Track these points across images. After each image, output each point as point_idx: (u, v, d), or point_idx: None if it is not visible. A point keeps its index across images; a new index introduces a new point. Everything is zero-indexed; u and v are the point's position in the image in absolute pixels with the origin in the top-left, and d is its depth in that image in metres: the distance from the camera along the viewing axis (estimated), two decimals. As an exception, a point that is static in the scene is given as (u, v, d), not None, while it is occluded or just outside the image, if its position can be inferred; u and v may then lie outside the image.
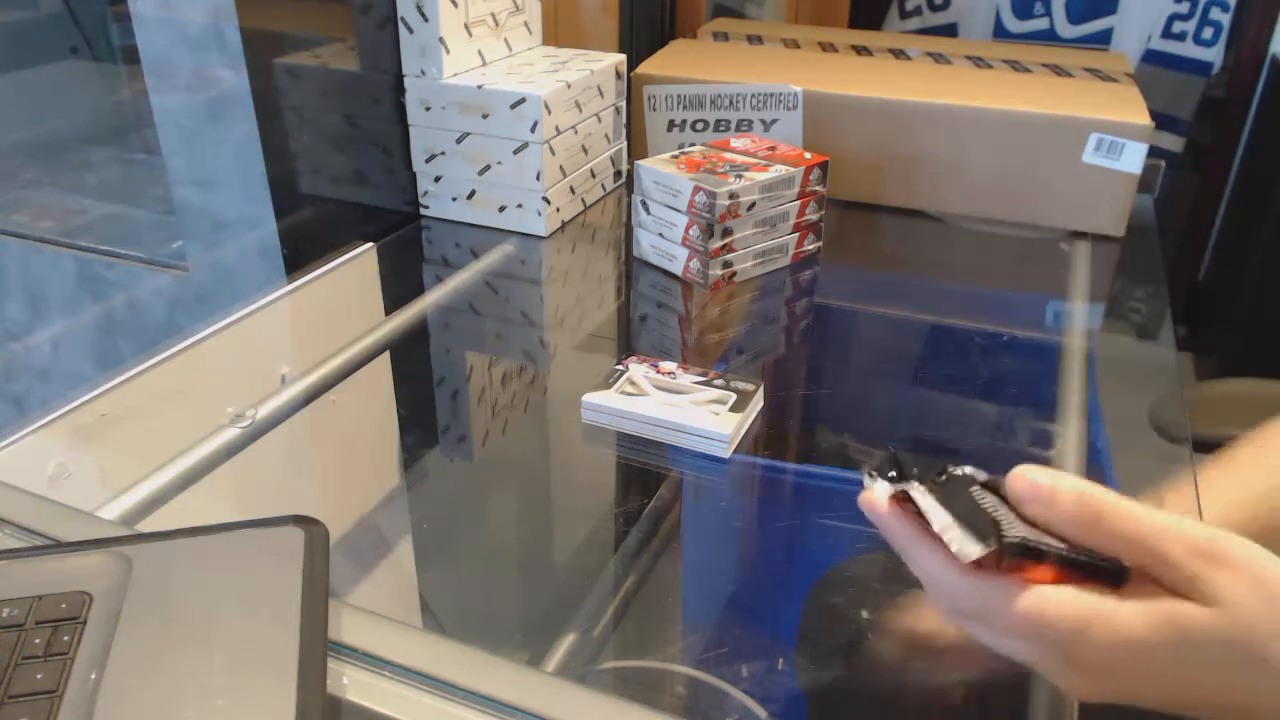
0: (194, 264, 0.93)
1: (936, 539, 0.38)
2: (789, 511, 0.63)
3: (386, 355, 0.80)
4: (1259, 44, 1.64)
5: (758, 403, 0.68)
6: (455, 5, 0.93)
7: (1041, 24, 1.77)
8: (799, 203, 0.89)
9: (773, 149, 0.93)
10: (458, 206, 1.00)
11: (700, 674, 0.50)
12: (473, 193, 0.99)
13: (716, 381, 0.69)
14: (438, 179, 1.00)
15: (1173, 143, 1.74)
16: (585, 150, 1.02)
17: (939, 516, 0.37)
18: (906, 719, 0.48)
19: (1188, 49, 1.69)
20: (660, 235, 0.89)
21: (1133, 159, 0.95)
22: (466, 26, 0.96)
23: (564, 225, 1.01)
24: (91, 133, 1.34)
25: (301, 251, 0.89)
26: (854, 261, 1.00)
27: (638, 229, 0.92)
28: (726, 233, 0.85)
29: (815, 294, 0.91)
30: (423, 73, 0.95)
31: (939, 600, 0.40)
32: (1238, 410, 0.62)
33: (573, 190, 1.01)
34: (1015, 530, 0.37)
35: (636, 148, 1.11)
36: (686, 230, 0.86)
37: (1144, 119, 0.96)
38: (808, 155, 0.90)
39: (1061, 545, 0.37)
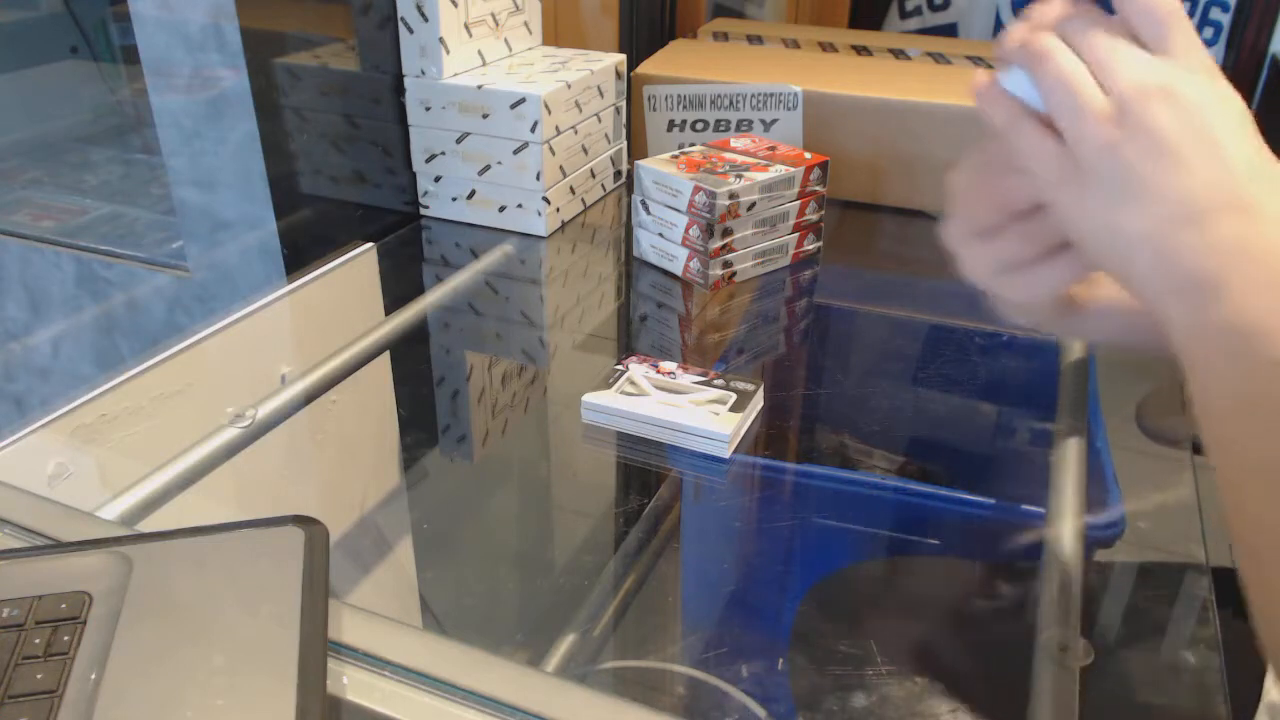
0: (194, 264, 0.93)
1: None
2: (789, 511, 0.63)
3: (386, 355, 0.80)
4: (1259, 44, 1.64)
5: (757, 403, 0.68)
6: (455, 5, 0.93)
7: (1041, 24, 1.77)
8: (799, 203, 0.89)
9: (773, 149, 0.93)
10: (458, 206, 1.00)
11: (700, 674, 0.50)
12: (473, 193, 0.99)
13: (716, 381, 0.69)
14: (438, 179, 1.00)
15: (1173, 143, 1.73)
16: (585, 150, 1.02)
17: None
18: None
19: (1188, 49, 1.69)
20: (660, 235, 0.89)
21: (1133, 159, 0.95)
22: (466, 26, 0.96)
23: (564, 225, 1.01)
24: (91, 133, 1.34)
25: (301, 251, 0.89)
26: (854, 261, 1.00)
27: (638, 229, 0.92)
28: (726, 233, 0.85)
29: (815, 294, 0.91)
30: (423, 73, 0.95)
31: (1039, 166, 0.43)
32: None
33: (573, 190, 1.01)
34: None
35: (636, 148, 1.11)
36: (686, 230, 0.86)
37: (1144, 119, 0.95)
38: (808, 155, 0.90)
39: None
